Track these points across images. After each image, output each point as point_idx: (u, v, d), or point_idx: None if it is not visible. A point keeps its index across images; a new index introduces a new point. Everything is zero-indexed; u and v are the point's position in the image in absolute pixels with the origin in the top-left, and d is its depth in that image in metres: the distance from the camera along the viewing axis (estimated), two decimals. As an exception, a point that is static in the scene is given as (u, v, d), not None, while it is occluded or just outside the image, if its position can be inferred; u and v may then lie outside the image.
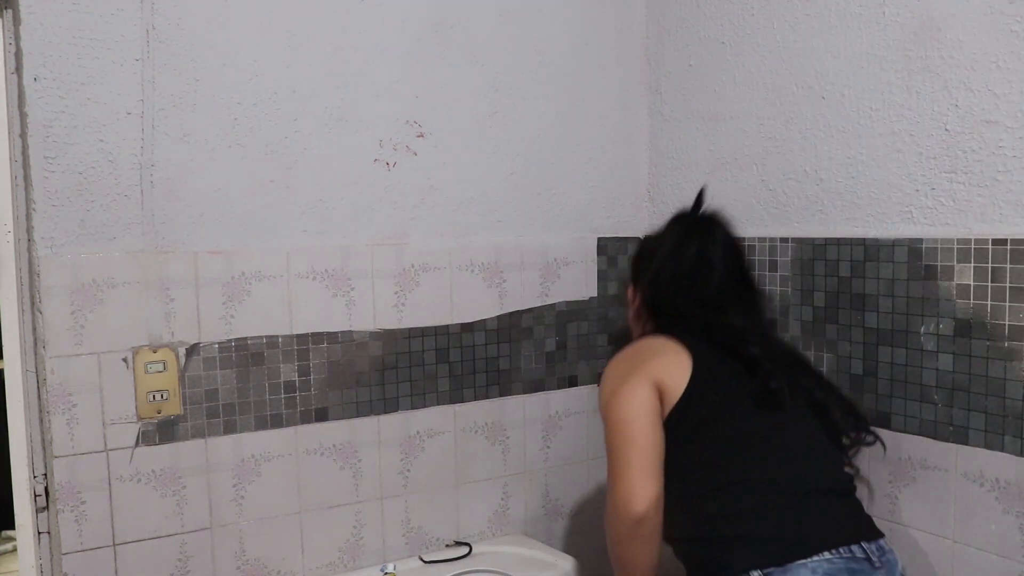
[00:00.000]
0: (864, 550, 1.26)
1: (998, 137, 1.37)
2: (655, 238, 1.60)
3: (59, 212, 1.44)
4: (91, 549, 1.49)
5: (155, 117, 1.51)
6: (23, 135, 1.42)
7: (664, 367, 1.37)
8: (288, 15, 1.61)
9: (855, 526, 1.30)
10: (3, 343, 1.48)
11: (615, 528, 1.34)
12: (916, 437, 1.50)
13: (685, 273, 1.49)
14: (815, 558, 1.21)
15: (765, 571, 1.21)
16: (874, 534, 1.31)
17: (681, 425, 1.35)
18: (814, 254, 1.66)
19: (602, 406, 1.40)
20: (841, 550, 1.23)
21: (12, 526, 1.51)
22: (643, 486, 1.29)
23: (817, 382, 1.49)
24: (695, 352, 1.39)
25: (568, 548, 1.95)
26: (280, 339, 1.63)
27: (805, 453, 1.36)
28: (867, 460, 1.58)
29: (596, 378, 2.02)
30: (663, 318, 1.51)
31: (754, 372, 1.38)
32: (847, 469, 1.46)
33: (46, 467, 1.47)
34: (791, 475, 1.32)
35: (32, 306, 1.46)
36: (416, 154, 1.77)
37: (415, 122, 1.76)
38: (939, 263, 1.45)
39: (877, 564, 1.26)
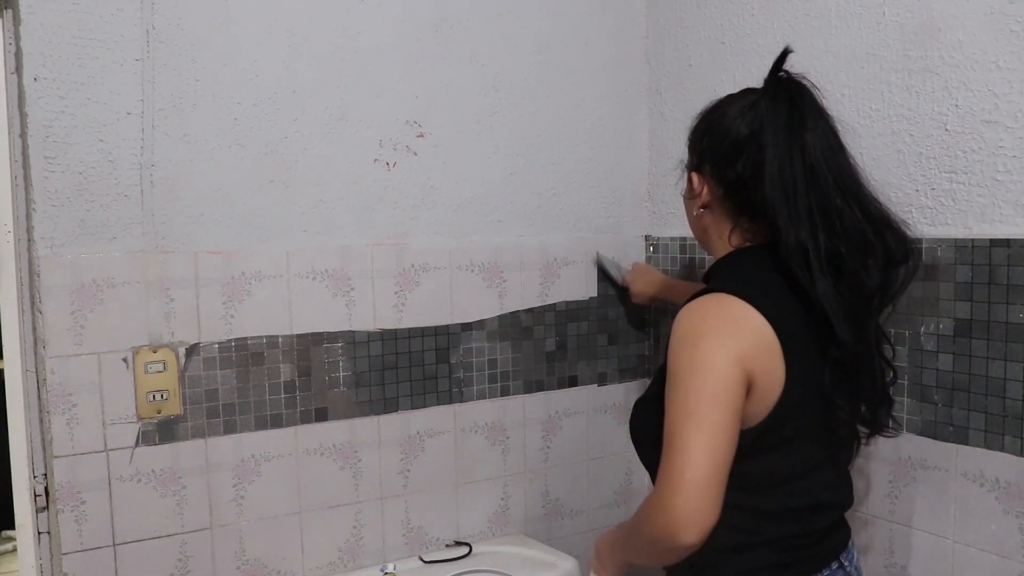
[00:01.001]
0: (839, 561, 1.23)
1: (998, 137, 1.36)
2: (728, 103, 1.25)
3: (59, 212, 1.44)
4: (91, 549, 1.49)
5: (155, 117, 1.51)
6: (23, 135, 1.42)
7: (763, 363, 1.10)
8: (288, 15, 1.61)
9: (836, 542, 1.24)
10: (3, 343, 1.48)
11: (648, 538, 1.10)
12: (916, 437, 1.50)
13: (789, 163, 1.13)
14: None
15: None
16: (846, 541, 1.26)
17: (753, 440, 1.12)
18: (814, 254, 1.66)
19: (679, 374, 1.09)
20: (824, 571, 1.21)
21: (12, 526, 1.51)
22: (708, 508, 1.03)
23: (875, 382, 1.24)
24: (789, 350, 1.11)
25: (568, 548, 1.95)
26: (280, 339, 1.63)
27: (838, 478, 1.25)
28: (867, 460, 1.58)
29: (597, 378, 2.02)
30: (753, 225, 1.20)
31: (830, 402, 1.15)
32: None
33: (46, 467, 1.47)
34: (823, 505, 1.21)
35: (32, 306, 1.46)
36: (416, 154, 1.77)
37: (415, 122, 1.76)
38: (939, 263, 1.45)
39: (849, 570, 1.24)
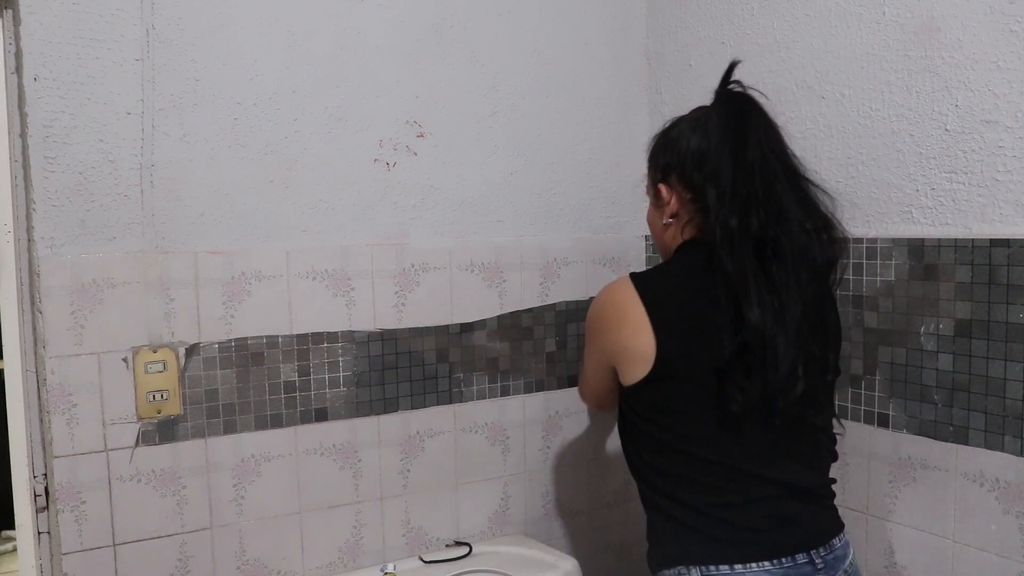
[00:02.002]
0: (808, 555, 1.23)
1: (998, 137, 1.37)
2: (681, 121, 1.38)
3: (59, 212, 1.44)
4: (91, 549, 1.49)
5: (155, 117, 1.51)
6: (23, 135, 1.42)
7: (620, 342, 1.32)
8: (288, 15, 1.61)
9: (806, 533, 1.25)
10: (3, 343, 1.49)
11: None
12: (916, 437, 1.50)
13: (732, 158, 1.25)
14: (753, 566, 1.21)
15: (706, 569, 1.23)
16: (824, 538, 1.26)
17: (638, 399, 1.32)
18: (814, 254, 1.66)
19: (586, 331, 1.46)
20: (784, 559, 1.22)
21: (12, 526, 1.51)
22: (588, 397, 1.60)
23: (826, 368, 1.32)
24: (660, 333, 1.27)
25: (568, 548, 1.95)
26: (280, 339, 1.63)
27: (783, 455, 1.29)
28: (867, 460, 1.58)
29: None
30: (709, 230, 1.27)
31: (722, 378, 1.24)
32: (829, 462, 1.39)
33: (46, 467, 1.47)
34: (751, 475, 1.26)
35: (32, 306, 1.46)
36: (416, 154, 1.77)
37: (415, 122, 1.76)
38: (939, 263, 1.45)
39: (820, 565, 1.24)
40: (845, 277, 1.60)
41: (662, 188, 1.37)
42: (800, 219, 1.24)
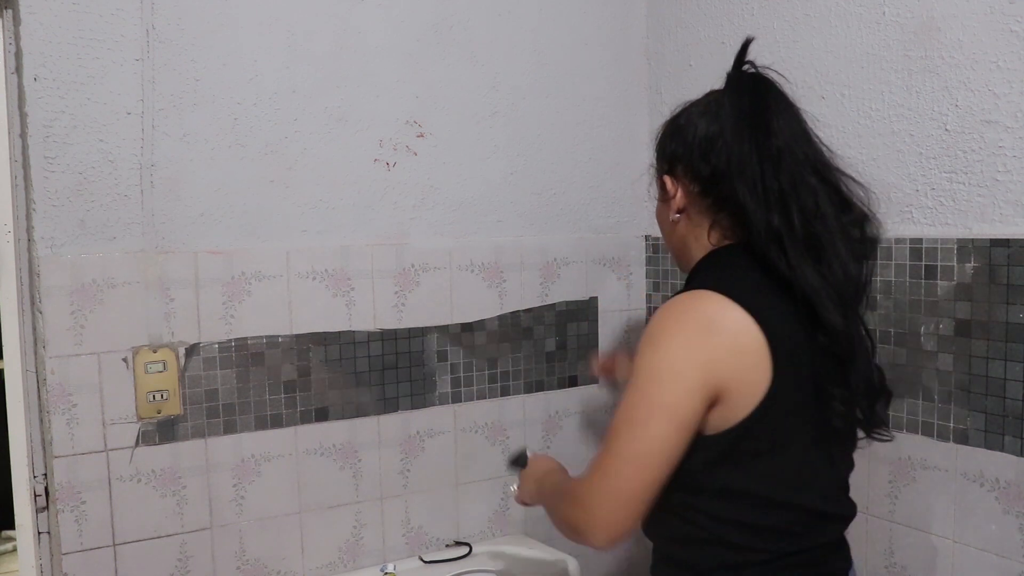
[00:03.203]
0: None
1: (998, 137, 1.36)
2: (692, 106, 1.21)
3: (59, 212, 1.44)
4: (91, 549, 1.49)
5: (155, 117, 1.51)
6: (23, 135, 1.42)
7: (736, 370, 1.03)
8: (288, 15, 1.61)
9: (845, 559, 1.17)
10: (3, 343, 1.48)
11: (565, 519, 1.12)
12: (916, 437, 1.50)
13: (755, 148, 1.08)
14: None
15: None
16: (850, 565, 1.19)
17: (730, 446, 1.06)
18: (814, 254, 1.66)
19: (638, 373, 1.07)
20: None
21: (12, 526, 1.51)
22: (622, 521, 1.03)
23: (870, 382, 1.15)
24: (777, 356, 1.04)
25: (568, 548, 1.95)
26: (280, 339, 1.63)
27: (838, 487, 1.17)
28: (867, 460, 1.58)
29: (597, 378, 2.02)
30: (732, 221, 1.13)
31: (822, 394, 1.08)
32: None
33: (46, 467, 1.47)
34: (823, 516, 1.12)
35: (32, 306, 1.46)
36: (416, 154, 1.77)
37: (415, 122, 1.76)
38: (939, 263, 1.45)
39: None
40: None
41: (667, 180, 1.20)
42: (836, 213, 1.09)
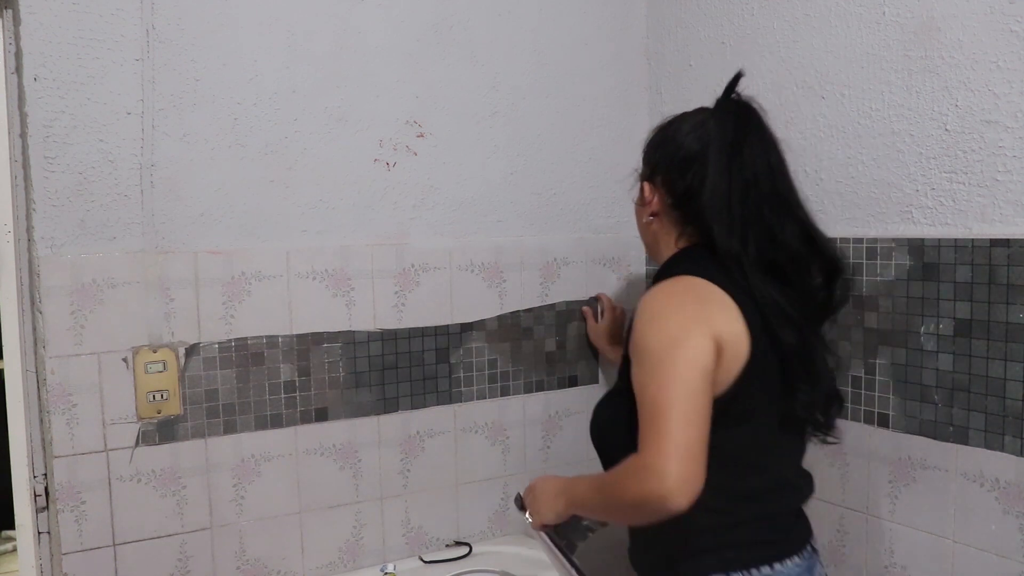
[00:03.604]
0: (810, 544, 1.29)
1: (998, 137, 1.37)
2: (682, 120, 1.33)
3: (59, 212, 1.44)
4: (91, 549, 1.49)
5: (155, 117, 1.51)
6: (23, 135, 1.42)
7: (730, 331, 1.15)
8: (288, 15, 1.61)
9: (806, 527, 1.31)
10: (3, 343, 1.48)
11: (632, 498, 1.10)
12: (916, 437, 1.50)
13: (727, 177, 1.20)
14: (787, 562, 1.22)
15: (748, 573, 1.21)
16: (811, 529, 1.32)
17: (724, 408, 1.15)
18: (814, 254, 1.66)
19: (649, 348, 1.14)
20: (803, 552, 1.26)
21: (12, 526, 1.51)
22: (697, 473, 1.07)
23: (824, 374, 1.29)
24: (752, 325, 1.17)
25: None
26: (280, 339, 1.63)
27: (798, 463, 1.33)
28: (867, 460, 1.58)
29: (597, 378, 2.02)
30: (700, 231, 1.26)
31: (788, 386, 1.21)
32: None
33: (46, 467, 1.47)
34: (789, 484, 1.29)
35: (32, 306, 1.46)
36: (416, 154, 1.77)
37: (415, 122, 1.76)
38: (939, 263, 1.45)
39: (816, 550, 1.30)
40: (847, 277, 1.59)
41: (645, 187, 1.34)
42: (798, 244, 1.22)
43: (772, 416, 1.22)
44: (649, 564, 1.30)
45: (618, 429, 1.22)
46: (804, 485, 1.31)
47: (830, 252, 1.25)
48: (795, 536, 1.26)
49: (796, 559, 1.23)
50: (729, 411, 1.15)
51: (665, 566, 1.26)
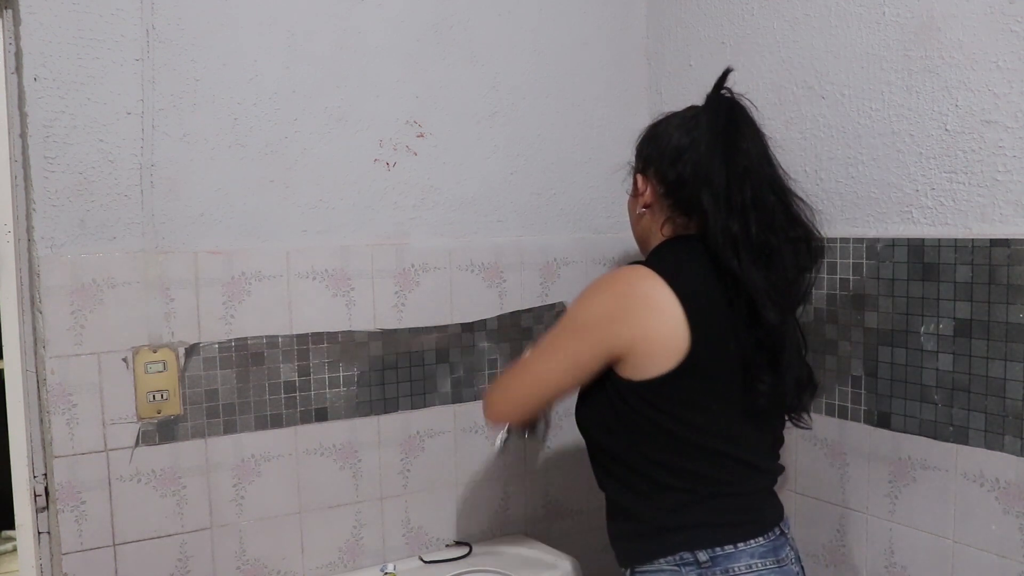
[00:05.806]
0: (779, 528, 1.33)
1: (998, 137, 1.37)
2: (673, 116, 1.40)
3: (59, 212, 1.44)
4: (91, 549, 1.49)
5: (155, 117, 1.51)
6: (23, 135, 1.42)
7: (657, 333, 1.24)
8: (288, 15, 1.61)
9: (776, 511, 1.36)
10: (3, 343, 1.49)
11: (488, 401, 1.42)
12: (916, 437, 1.50)
13: (724, 164, 1.26)
14: (751, 543, 1.28)
15: (713, 551, 1.27)
16: (783, 513, 1.37)
17: (656, 392, 1.26)
18: (814, 254, 1.66)
19: (564, 318, 1.33)
20: (769, 534, 1.30)
21: (12, 526, 1.52)
22: (506, 413, 1.41)
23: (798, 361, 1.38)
24: (695, 324, 1.24)
25: (568, 548, 1.95)
26: (280, 339, 1.63)
27: (767, 448, 1.38)
28: (867, 460, 1.58)
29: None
30: (687, 221, 1.33)
31: (749, 377, 1.27)
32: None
33: (46, 467, 1.47)
34: (753, 467, 1.34)
35: (32, 306, 1.46)
36: (416, 154, 1.77)
37: (415, 122, 1.76)
38: (939, 263, 1.45)
39: (787, 533, 1.35)
40: (846, 276, 1.60)
41: (639, 178, 1.41)
42: (785, 228, 1.28)
43: (734, 404, 1.29)
44: (623, 544, 1.38)
45: (597, 413, 1.35)
46: (770, 467, 1.37)
47: (817, 239, 1.33)
48: (761, 518, 1.31)
49: (761, 539, 1.28)
50: (672, 397, 1.26)
51: (638, 544, 1.34)
